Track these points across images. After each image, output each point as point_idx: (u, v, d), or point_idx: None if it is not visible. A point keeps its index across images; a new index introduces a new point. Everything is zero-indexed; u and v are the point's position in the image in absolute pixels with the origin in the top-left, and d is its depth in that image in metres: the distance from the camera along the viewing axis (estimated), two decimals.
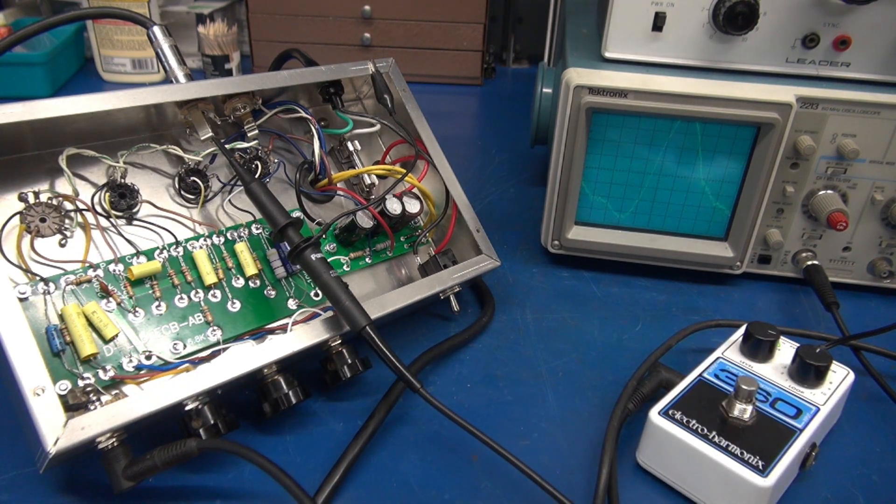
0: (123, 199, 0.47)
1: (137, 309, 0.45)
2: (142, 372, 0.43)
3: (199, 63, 1.07)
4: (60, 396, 0.38)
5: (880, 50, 0.57)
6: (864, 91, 0.57)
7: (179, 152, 0.50)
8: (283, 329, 0.48)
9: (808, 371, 0.47)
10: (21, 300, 0.41)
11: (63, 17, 0.53)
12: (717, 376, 0.48)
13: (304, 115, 0.54)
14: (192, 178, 0.50)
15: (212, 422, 0.41)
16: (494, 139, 0.96)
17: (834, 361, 0.48)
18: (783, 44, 0.58)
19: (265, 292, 0.50)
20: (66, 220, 0.45)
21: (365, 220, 0.54)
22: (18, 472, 0.43)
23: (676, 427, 0.43)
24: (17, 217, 0.43)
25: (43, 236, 0.44)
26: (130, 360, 0.43)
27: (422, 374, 0.53)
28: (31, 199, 0.44)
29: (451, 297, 0.55)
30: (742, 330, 0.51)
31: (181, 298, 0.47)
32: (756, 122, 0.57)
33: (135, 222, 0.48)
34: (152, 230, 0.48)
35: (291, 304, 0.51)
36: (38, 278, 0.42)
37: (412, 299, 0.51)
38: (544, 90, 0.74)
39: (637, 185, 0.62)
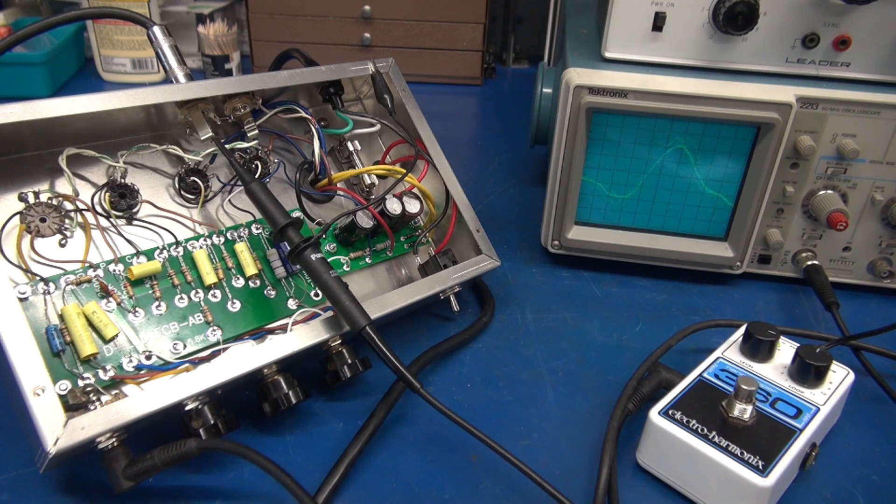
0: (123, 199, 0.47)
1: (137, 309, 0.45)
2: (142, 372, 0.43)
3: (199, 63, 1.07)
4: (60, 396, 0.38)
5: (880, 50, 0.57)
6: (864, 91, 0.57)
7: (179, 152, 0.50)
8: (283, 329, 0.48)
9: (808, 371, 0.47)
10: (21, 300, 0.41)
11: (63, 17, 0.53)
12: (717, 376, 0.48)
13: (304, 115, 0.54)
14: (192, 178, 0.50)
15: (212, 422, 0.41)
16: (494, 139, 0.96)
17: (834, 361, 0.48)
18: (783, 44, 0.58)
19: (265, 292, 0.50)
20: (66, 220, 0.45)
21: (365, 220, 0.54)
22: (18, 472, 0.43)
23: (676, 427, 0.43)
24: (17, 217, 0.43)
25: (43, 236, 0.44)
26: (130, 360, 0.43)
27: (422, 374, 0.53)
28: (31, 199, 0.44)
29: (451, 297, 0.55)
30: (742, 330, 0.51)
31: (181, 298, 0.47)
32: (756, 122, 0.57)
33: (135, 222, 0.48)
34: (152, 230, 0.48)
35: (291, 304, 0.51)
36: (38, 278, 0.42)
37: (412, 299, 0.51)
38: (544, 90, 0.74)
39: (637, 186, 0.62)
